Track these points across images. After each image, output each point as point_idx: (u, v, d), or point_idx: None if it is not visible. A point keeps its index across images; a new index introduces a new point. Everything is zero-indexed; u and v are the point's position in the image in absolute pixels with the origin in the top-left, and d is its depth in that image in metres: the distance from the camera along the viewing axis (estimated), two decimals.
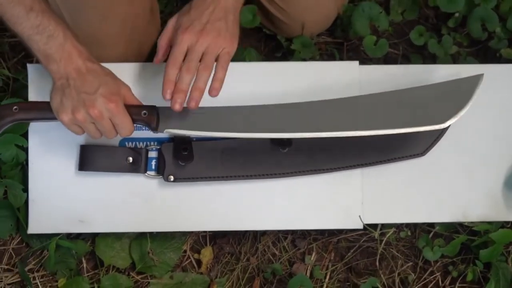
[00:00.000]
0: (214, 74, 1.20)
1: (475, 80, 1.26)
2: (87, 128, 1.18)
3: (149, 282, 1.43)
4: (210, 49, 1.19)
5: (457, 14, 1.54)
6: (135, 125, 1.21)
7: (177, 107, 1.18)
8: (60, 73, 1.16)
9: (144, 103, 1.24)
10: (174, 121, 1.21)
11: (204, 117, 1.22)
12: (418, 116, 1.22)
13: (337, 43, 1.56)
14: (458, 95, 1.24)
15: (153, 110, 1.21)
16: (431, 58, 1.53)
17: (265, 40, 1.57)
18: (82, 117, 1.15)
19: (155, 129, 1.21)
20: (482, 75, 1.26)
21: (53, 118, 1.19)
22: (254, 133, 1.22)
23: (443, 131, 1.34)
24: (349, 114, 1.24)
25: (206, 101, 1.21)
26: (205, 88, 1.19)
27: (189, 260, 1.45)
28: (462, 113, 1.22)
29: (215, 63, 1.20)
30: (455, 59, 1.54)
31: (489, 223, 1.39)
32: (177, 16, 1.24)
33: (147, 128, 1.29)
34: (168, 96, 1.19)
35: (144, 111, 1.20)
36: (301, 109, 1.24)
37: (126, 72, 1.33)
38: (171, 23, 1.24)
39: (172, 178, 1.31)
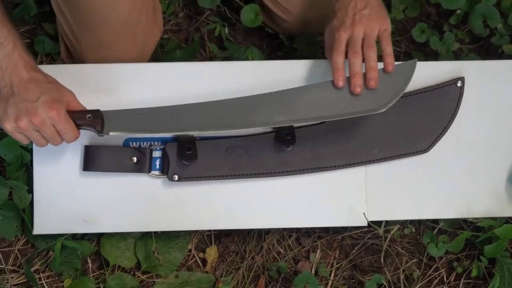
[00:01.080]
0: (383, 52, 1.23)
1: (409, 66, 1.27)
2: (31, 136, 1.18)
3: (154, 282, 1.43)
4: (367, 33, 1.23)
5: (458, 11, 1.55)
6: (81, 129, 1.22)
7: (358, 90, 1.22)
8: (5, 81, 1.17)
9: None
10: (118, 124, 1.22)
11: (147, 118, 1.23)
12: (357, 103, 1.23)
13: None
14: (394, 81, 1.25)
15: (97, 113, 1.21)
16: (433, 55, 1.54)
17: (267, 39, 1.58)
18: (25, 125, 1.15)
19: (100, 132, 1.22)
20: (415, 60, 1.27)
21: (0, 128, 1.19)
22: (191, 131, 1.25)
23: (446, 127, 1.35)
24: (286, 106, 1.25)
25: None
26: (377, 66, 1.22)
27: (194, 259, 1.46)
28: (398, 97, 1.24)
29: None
30: (457, 56, 1.55)
31: (493, 218, 1.40)
32: (327, 27, 1.28)
33: None
34: (341, 83, 1.22)
35: (89, 115, 1.21)
36: (226, 106, 1.25)
37: (129, 72, 1.34)
38: (327, 35, 1.28)
39: (176, 177, 1.31)
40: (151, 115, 1.23)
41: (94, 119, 1.21)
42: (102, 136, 1.22)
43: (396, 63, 1.29)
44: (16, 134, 1.18)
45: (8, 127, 1.16)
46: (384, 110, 1.22)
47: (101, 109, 1.22)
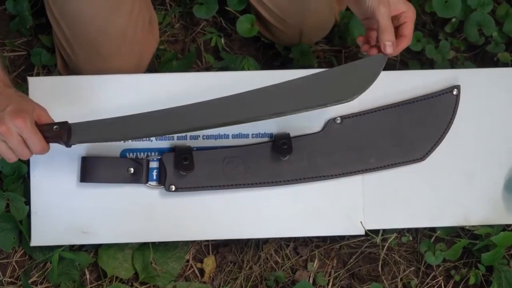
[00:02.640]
0: None
1: (379, 59, 1.22)
2: None
3: None
4: None
5: (453, 20, 1.55)
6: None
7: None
8: None
9: None
10: (85, 134, 1.21)
11: (113, 126, 1.22)
12: (325, 94, 1.21)
13: (335, 50, 1.57)
14: (362, 73, 1.22)
15: (64, 124, 1.20)
16: (429, 64, 1.55)
17: (263, 49, 1.58)
18: None
19: (66, 143, 1.20)
20: (385, 56, 1.22)
21: None
22: (153, 135, 1.27)
23: (442, 135, 1.36)
24: (257, 103, 1.23)
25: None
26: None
27: (192, 269, 1.46)
28: (366, 88, 1.21)
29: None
30: (453, 64, 1.55)
31: (490, 226, 1.40)
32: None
33: (147, 139, 1.34)
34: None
35: (56, 126, 1.19)
36: (208, 105, 1.23)
37: (126, 83, 1.34)
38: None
39: (173, 188, 1.31)
40: (116, 124, 1.22)
41: (61, 130, 1.19)
42: (70, 147, 1.21)
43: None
44: None
45: None
46: (351, 100, 1.20)
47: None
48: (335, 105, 1.21)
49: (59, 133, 1.19)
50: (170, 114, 1.23)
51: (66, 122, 1.21)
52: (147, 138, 1.34)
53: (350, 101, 1.20)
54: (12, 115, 1.14)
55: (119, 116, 1.23)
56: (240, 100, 1.23)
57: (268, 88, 1.23)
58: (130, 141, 1.34)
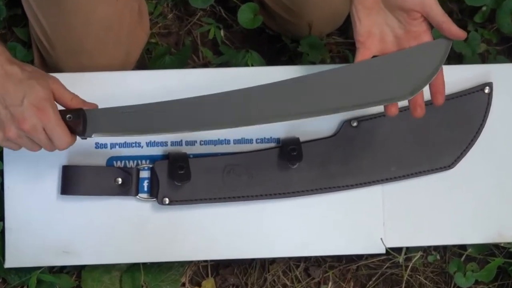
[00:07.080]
0: None
1: (442, 44, 1.20)
2: (23, 144, 1.16)
3: None
4: None
5: (484, 8, 1.54)
6: None
7: None
8: None
9: None
10: (103, 124, 1.19)
11: (134, 116, 1.19)
12: (379, 89, 1.17)
13: (350, 43, 1.56)
14: (424, 63, 1.19)
15: (78, 112, 1.18)
16: (456, 58, 1.53)
17: (268, 42, 1.58)
18: (14, 134, 1.13)
19: (82, 134, 1.18)
20: (450, 41, 1.19)
21: None
22: (187, 130, 1.20)
23: (473, 139, 1.34)
24: (296, 97, 1.19)
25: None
26: None
27: None
28: (429, 81, 1.17)
29: None
30: (483, 59, 1.55)
31: None
32: None
33: (137, 145, 1.32)
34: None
35: (69, 115, 1.17)
36: (248, 95, 1.19)
37: (112, 82, 1.34)
38: None
39: (167, 200, 1.30)
40: (140, 112, 1.19)
41: (75, 120, 1.17)
42: (85, 139, 1.19)
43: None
44: (7, 143, 1.15)
45: None
46: (410, 97, 1.16)
47: None
48: (387, 103, 1.16)
49: (74, 123, 1.17)
50: (214, 102, 1.18)
51: (80, 110, 1.18)
52: (137, 145, 1.33)
53: (409, 97, 1.15)
54: (34, 110, 1.12)
55: (143, 104, 1.20)
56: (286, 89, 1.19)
57: (308, 79, 1.19)
58: (117, 147, 1.33)
